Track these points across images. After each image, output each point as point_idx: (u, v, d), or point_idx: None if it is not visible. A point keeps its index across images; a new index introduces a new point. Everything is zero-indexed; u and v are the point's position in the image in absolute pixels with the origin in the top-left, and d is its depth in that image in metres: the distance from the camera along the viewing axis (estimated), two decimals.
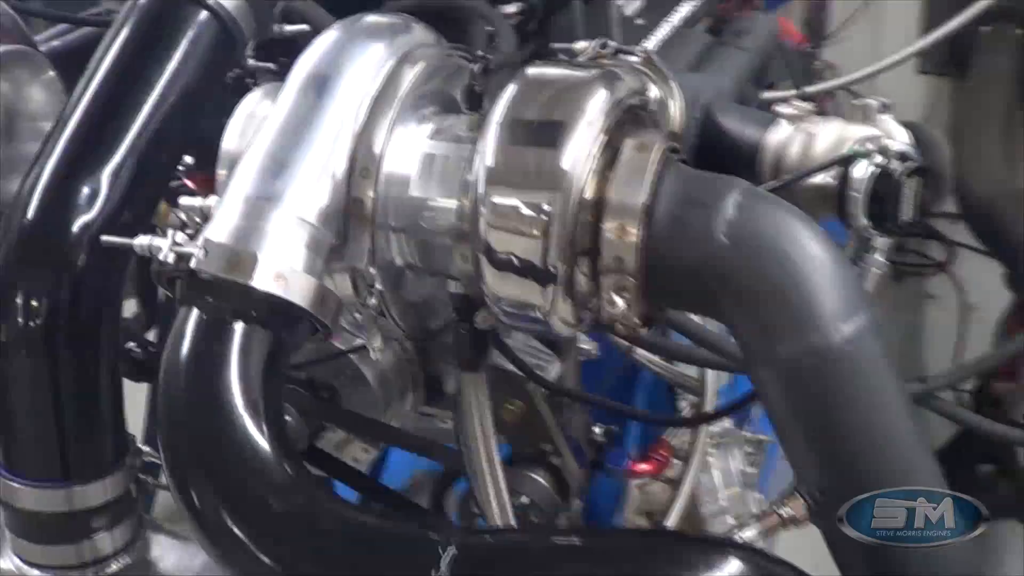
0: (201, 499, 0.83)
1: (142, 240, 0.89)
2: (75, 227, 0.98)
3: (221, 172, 0.97)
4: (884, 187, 1.07)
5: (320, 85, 0.92)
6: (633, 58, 1.02)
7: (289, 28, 1.18)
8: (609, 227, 0.85)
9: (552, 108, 0.87)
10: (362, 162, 0.90)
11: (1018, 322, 2.79)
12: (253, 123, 0.97)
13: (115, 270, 1.01)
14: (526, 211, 0.85)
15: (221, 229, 0.87)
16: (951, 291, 3.37)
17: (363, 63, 0.92)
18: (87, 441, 1.02)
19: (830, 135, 1.13)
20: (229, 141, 0.98)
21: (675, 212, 0.85)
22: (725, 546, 0.84)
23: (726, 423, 1.82)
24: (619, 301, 0.86)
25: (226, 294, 0.86)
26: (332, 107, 0.90)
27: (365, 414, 1.36)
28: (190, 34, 1.07)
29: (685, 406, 1.79)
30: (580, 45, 1.04)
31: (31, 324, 0.97)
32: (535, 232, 0.84)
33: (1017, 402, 2.79)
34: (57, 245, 0.98)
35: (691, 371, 1.62)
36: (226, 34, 1.09)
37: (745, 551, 0.83)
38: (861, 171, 1.06)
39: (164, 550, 1.12)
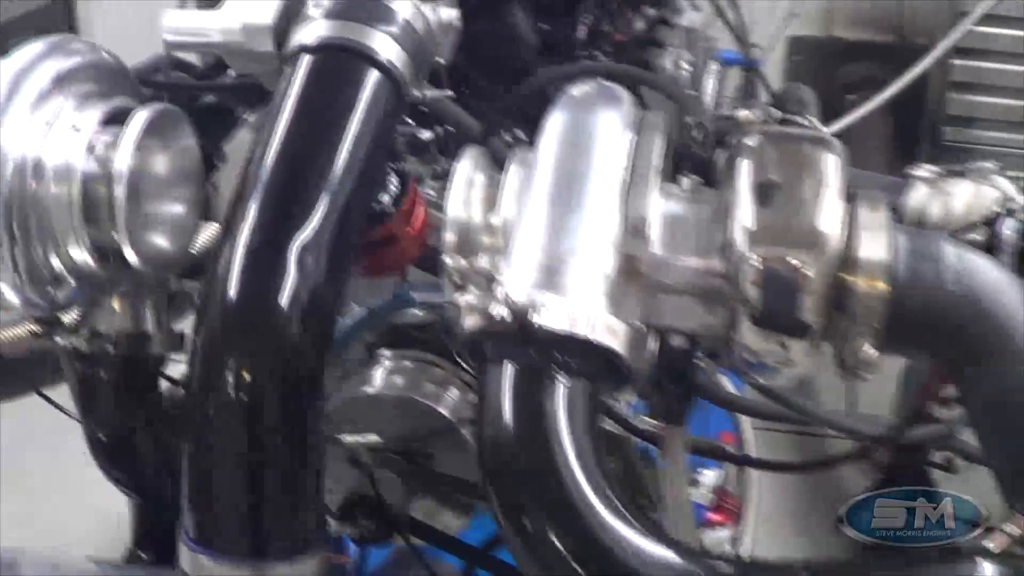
0: (549, 556, 0.83)
1: (468, 298, 0.88)
2: (283, 299, 0.95)
3: (449, 236, 0.98)
4: None
5: (575, 158, 0.94)
6: (803, 122, 1.09)
7: (430, 93, 1.18)
8: (860, 282, 0.90)
9: (794, 174, 0.93)
10: (632, 223, 0.93)
11: None
12: (474, 190, 0.99)
13: (322, 340, 0.99)
14: (787, 270, 0.89)
15: (531, 285, 0.88)
16: None
17: (610, 135, 0.95)
18: (287, 518, 0.99)
19: (966, 194, 1.21)
20: (455, 208, 0.99)
21: (910, 265, 0.92)
22: (973, 555, 0.89)
23: None
24: (870, 351, 0.91)
25: (558, 347, 0.86)
26: (594, 176, 0.93)
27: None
28: (366, 95, 1.05)
29: None
30: (742, 113, 1.08)
31: (240, 397, 0.95)
32: (796, 289, 0.89)
33: None
34: (266, 318, 0.96)
35: None
36: (397, 94, 1.09)
37: (992, 556, 0.88)
38: (1010, 228, 1.15)
39: None
